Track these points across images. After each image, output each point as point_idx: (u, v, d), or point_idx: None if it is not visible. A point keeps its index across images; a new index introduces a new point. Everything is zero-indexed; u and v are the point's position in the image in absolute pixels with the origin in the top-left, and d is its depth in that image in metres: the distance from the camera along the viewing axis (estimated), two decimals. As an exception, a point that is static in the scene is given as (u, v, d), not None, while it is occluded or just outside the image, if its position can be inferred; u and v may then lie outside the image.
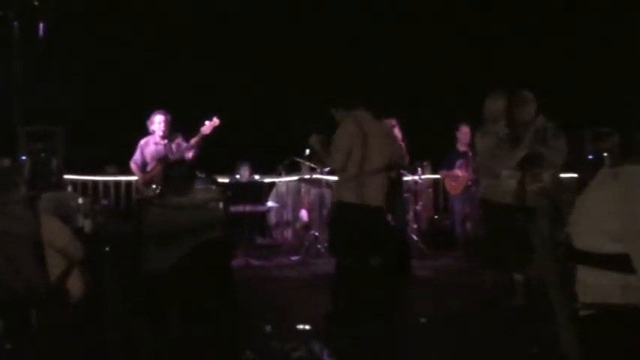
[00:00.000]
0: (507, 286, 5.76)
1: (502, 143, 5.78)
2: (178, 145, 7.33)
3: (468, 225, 8.98)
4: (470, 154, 8.66)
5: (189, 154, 7.24)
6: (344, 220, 5.68)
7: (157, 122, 7.27)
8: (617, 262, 2.52)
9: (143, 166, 7.35)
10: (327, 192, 9.09)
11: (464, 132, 8.85)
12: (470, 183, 8.74)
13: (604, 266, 2.54)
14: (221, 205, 4.62)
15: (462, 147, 8.94)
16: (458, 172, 8.95)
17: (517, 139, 5.73)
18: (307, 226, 9.54)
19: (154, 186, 7.01)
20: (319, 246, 8.66)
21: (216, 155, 7.74)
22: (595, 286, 2.59)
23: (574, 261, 2.63)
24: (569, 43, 10.83)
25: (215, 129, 7.31)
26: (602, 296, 2.56)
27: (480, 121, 6.04)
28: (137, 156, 7.37)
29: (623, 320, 2.51)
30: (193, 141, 7.27)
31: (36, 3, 6.43)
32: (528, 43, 11.02)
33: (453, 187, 9.08)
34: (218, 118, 7.31)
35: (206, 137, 7.30)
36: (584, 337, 2.55)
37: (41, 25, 6.48)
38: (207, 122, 7.32)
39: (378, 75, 10.84)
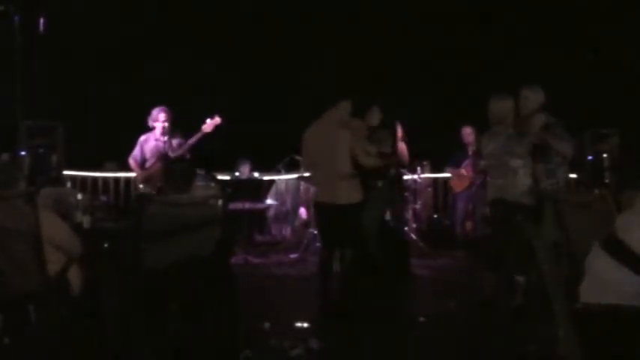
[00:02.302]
0: (506, 286, 5.78)
1: (512, 138, 5.82)
2: (179, 143, 7.32)
3: (468, 224, 9.00)
4: (470, 154, 8.77)
5: (187, 155, 7.24)
6: (318, 218, 6.09)
7: (159, 119, 7.27)
8: None
9: (142, 162, 7.35)
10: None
11: (467, 132, 8.92)
12: (473, 181, 8.79)
13: None
14: (220, 202, 4.61)
15: (469, 147, 9.03)
16: (463, 171, 9.03)
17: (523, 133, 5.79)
18: (306, 224, 9.54)
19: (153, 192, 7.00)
20: (318, 244, 8.65)
21: (216, 152, 7.74)
22: (612, 283, 2.57)
23: (613, 253, 2.61)
24: (570, 42, 10.83)
25: (216, 127, 7.31)
26: (615, 295, 2.55)
27: (481, 120, 6.08)
28: (136, 152, 7.37)
29: (625, 322, 2.51)
30: (192, 141, 7.27)
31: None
32: (529, 43, 11.01)
33: (457, 185, 9.16)
34: (218, 115, 7.32)
35: (206, 135, 7.31)
36: (584, 337, 2.55)
37: (42, 20, 6.47)
38: (208, 120, 7.32)
39: (380, 74, 10.82)
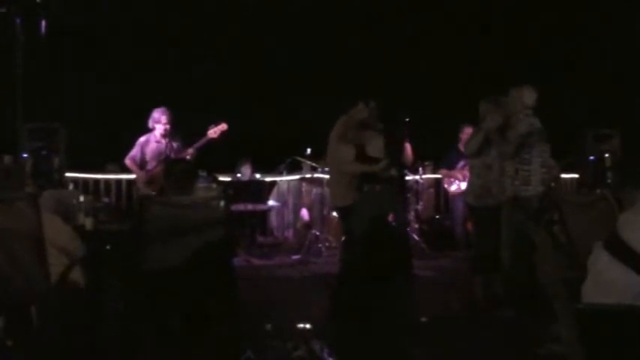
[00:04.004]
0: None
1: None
2: (179, 145, 7.31)
3: (469, 225, 8.97)
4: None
5: (190, 154, 7.23)
6: None
7: (161, 120, 7.24)
8: None
9: (142, 164, 7.32)
10: (327, 191, 9.09)
11: (467, 133, 8.84)
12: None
13: None
14: (222, 203, 4.61)
15: (463, 147, 8.94)
16: (458, 175, 8.95)
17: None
18: (308, 225, 9.54)
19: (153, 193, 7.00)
20: (320, 245, 8.67)
21: (217, 154, 7.74)
22: (614, 282, 2.58)
23: (614, 252, 2.62)
24: (571, 43, 10.83)
25: (223, 134, 7.31)
26: (617, 294, 2.55)
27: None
28: (135, 153, 7.32)
29: (627, 322, 2.51)
30: (197, 145, 7.26)
31: (38, 0, 6.42)
32: (530, 42, 11.01)
33: (452, 190, 9.09)
34: (221, 118, 7.31)
35: (211, 140, 7.31)
36: (586, 337, 2.55)
37: (43, 22, 6.47)
38: (212, 126, 7.30)
39: (381, 74, 10.82)
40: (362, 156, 6.10)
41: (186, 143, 7.30)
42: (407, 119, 7.67)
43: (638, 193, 2.78)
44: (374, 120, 6.32)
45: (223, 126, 7.31)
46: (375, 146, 6.22)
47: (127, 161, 7.38)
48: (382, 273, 6.56)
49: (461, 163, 8.93)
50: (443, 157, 9.29)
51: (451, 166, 9.08)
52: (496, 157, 5.90)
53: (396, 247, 7.14)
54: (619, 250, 2.59)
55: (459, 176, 8.93)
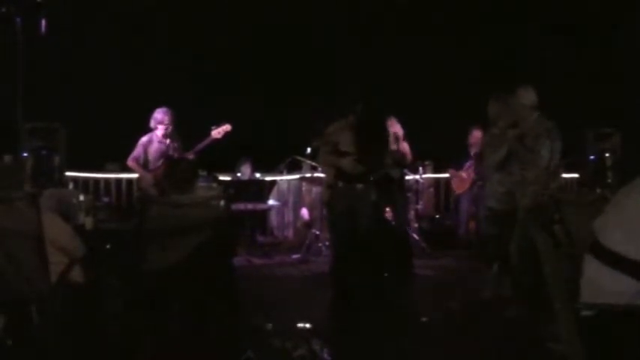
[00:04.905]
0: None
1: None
2: (180, 145, 7.30)
3: (472, 225, 8.99)
4: (472, 155, 8.78)
5: (191, 157, 7.23)
6: None
7: (164, 121, 7.23)
8: None
9: (144, 164, 7.30)
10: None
11: (476, 136, 8.86)
12: (474, 182, 8.77)
13: (631, 273, 2.49)
14: (222, 203, 4.61)
15: (472, 149, 8.99)
16: (463, 174, 9.00)
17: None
18: (308, 225, 9.54)
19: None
20: (320, 244, 8.66)
21: (217, 153, 7.74)
22: (606, 287, 2.56)
23: (598, 258, 2.59)
24: (572, 42, 10.82)
25: (227, 135, 7.31)
26: (611, 298, 2.54)
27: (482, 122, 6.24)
28: (138, 154, 7.31)
29: (626, 321, 2.50)
30: (201, 145, 7.25)
31: (38, 0, 6.42)
32: (531, 42, 11.01)
33: (459, 187, 9.16)
34: (218, 114, 7.33)
35: (215, 141, 7.32)
36: (586, 337, 2.55)
37: (43, 22, 6.47)
38: (214, 127, 7.30)
39: (380, 74, 10.81)
40: (336, 152, 6.11)
41: (189, 144, 7.30)
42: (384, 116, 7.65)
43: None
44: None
45: (227, 127, 7.33)
46: (344, 141, 6.20)
47: (130, 162, 7.37)
48: (366, 271, 6.53)
49: (467, 164, 9.00)
50: (452, 159, 9.31)
51: (458, 167, 9.16)
52: (516, 164, 5.87)
53: (396, 246, 7.16)
54: (600, 253, 2.57)
55: (464, 175, 8.99)
